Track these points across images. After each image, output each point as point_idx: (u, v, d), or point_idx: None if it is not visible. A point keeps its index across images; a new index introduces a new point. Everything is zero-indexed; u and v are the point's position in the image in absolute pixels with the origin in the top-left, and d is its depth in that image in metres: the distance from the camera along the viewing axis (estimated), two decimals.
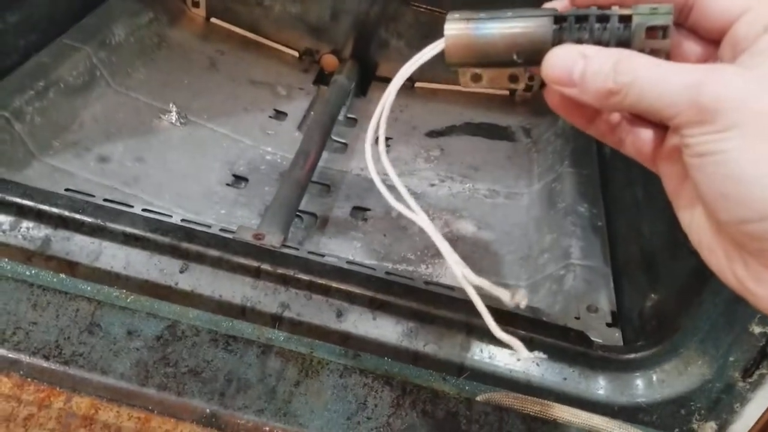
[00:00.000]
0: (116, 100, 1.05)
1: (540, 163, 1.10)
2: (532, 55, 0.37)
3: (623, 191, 0.92)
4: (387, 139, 1.15)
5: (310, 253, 0.74)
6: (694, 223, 0.34)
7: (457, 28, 0.39)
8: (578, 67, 0.34)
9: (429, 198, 1.02)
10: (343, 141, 1.12)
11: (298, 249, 0.75)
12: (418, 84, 1.30)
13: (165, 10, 1.24)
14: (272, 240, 0.74)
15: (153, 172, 0.95)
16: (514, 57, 0.37)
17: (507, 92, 1.28)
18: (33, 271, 0.65)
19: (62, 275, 0.65)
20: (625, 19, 0.34)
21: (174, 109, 1.06)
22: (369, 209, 0.98)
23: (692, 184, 0.32)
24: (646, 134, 0.36)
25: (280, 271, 0.68)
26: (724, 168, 0.30)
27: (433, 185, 1.05)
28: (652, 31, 0.34)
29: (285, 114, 1.16)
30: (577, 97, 0.34)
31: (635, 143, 0.37)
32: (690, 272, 0.64)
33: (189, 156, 1.00)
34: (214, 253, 0.69)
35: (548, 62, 0.35)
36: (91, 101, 1.01)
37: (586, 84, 0.34)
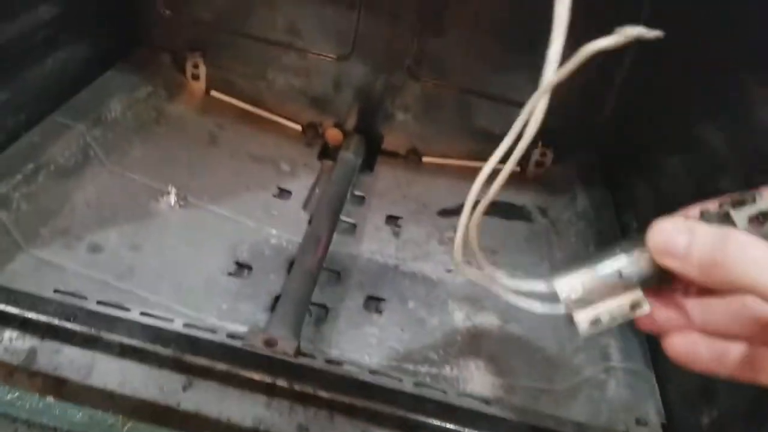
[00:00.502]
0: (111, 181, 0.98)
1: (561, 247, 1.03)
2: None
3: None
4: (395, 218, 1.10)
5: (328, 362, 0.66)
6: None
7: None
8: (684, 237, 0.35)
9: (446, 285, 0.95)
10: (351, 221, 1.06)
11: (314, 357, 0.67)
12: (425, 159, 1.25)
13: (164, 84, 1.19)
14: (286, 347, 0.66)
15: (149, 262, 0.87)
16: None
17: (518, 168, 1.23)
18: (15, 394, 0.57)
19: (49, 398, 0.57)
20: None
21: (173, 190, 0.99)
22: (383, 299, 0.91)
23: None
24: None
25: (297, 387, 0.61)
26: None
27: (449, 271, 0.98)
28: (754, 218, 0.35)
29: (289, 192, 1.09)
30: (680, 270, 0.35)
31: None
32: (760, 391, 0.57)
33: (188, 242, 0.92)
34: (221, 366, 0.61)
35: (654, 233, 0.36)
36: (84, 183, 0.94)
37: (691, 254, 0.34)
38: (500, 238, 1.07)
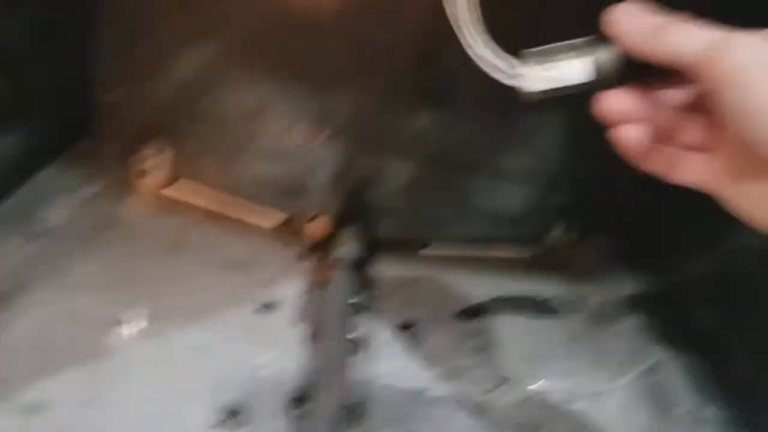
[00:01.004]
0: (53, 310, 0.77)
1: (613, 345, 0.86)
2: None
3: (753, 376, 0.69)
4: (408, 326, 0.91)
5: None
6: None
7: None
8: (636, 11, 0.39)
9: (494, 411, 0.76)
10: (356, 336, 0.86)
11: None
12: (424, 252, 1.07)
13: (112, 183, 0.99)
14: None
15: (107, 421, 0.65)
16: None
17: (532, 254, 1.06)
18: None
19: None
20: None
21: (132, 316, 0.78)
22: None
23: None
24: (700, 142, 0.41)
25: None
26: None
27: (489, 391, 0.79)
28: None
29: (274, 305, 0.89)
30: (624, 38, 0.39)
31: (694, 163, 0.41)
32: None
33: (157, 386, 0.71)
34: None
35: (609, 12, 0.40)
36: (18, 317, 0.73)
37: (638, 23, 0.39)
38: (534, 343, 0.89)
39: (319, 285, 0.96)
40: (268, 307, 0.89)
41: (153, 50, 0.98)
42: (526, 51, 0.44)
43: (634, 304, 0.90)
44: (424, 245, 1.07)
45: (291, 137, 1.01)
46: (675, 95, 0.41)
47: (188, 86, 1.00)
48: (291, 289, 0.93)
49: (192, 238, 0.98)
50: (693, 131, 0.41)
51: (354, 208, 1.06)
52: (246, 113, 1.00)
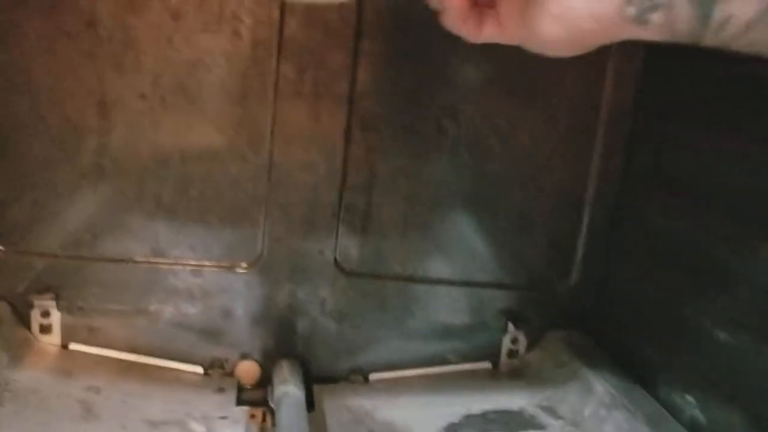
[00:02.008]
0: None
1: None
2: None
3: None
4: None
5: None
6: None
7: None
8: None
9: None
10: None
11: None
12: (373, 376, 0.97)
13: (3, 345, 0.84)
14: None
15: None
16: None
17: (489, 364, 0.99)
18: None
19: None
20: None
21: None
22: None
23: None
24: None
25: None
26: None
27: None
28: None
29: None
30: None
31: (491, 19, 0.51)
32: None
33: None
34: None
35: None
36: None
37: None
38: None
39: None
40: None
41: (38, 199, 0.88)
42: None
43: (611, 404, 0.83)
44: (367, 373, 0.98)
45: (203, 274, 0.92)
46: None
47: (88, 226, 0.89)
48: None
49: (106, 399, 0.83)
50: None
51: (284, 342, 0.96)
52: (161, 247, 0.90)
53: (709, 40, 0.39)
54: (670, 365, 0.83)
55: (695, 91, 0.83)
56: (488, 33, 0.51)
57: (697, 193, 0.81)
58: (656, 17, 0.39)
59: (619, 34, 0.41)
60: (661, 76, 0.90)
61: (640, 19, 0.39)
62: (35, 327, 0.90)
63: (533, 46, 0.47)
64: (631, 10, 0.39)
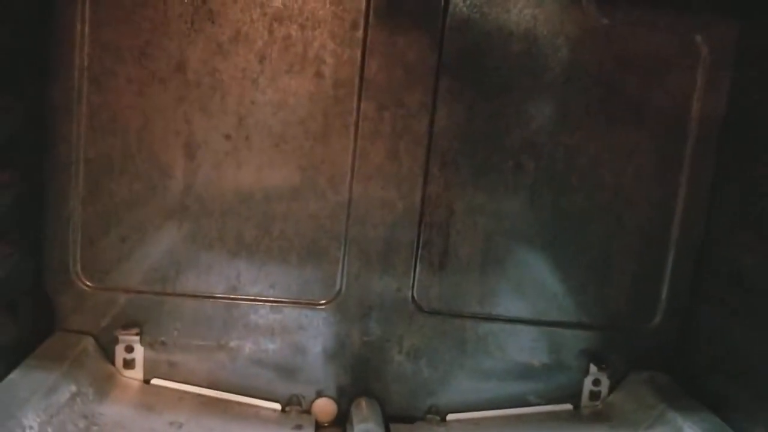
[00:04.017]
0: None
1: None
2: None
3: None
4: None
5: None
6: None
7: None
8: None
9: None
10: None
11: None
12: (450, 416, 0.96)
13: (90, 379, 0.86)
14: None
15: None
16: None
17: (570, 407, 0.96)
18: None
19: None
20: None
21: None
22: None
23: None
24: None
25: None
26: None
27: None
28: None
29: None
30: None
31: None
32: None
33: None
34: None
35: None
36: None
37: None
38: None
39: None
40: None
41: (124, 236, 0.90)
42: None
43: None
44: (444, 413, 0.96)
45: (282, 311, 0.93)
46: None
47: (171, 263, 0.92)
48: None
49: None
50: None
51: (360, 380, 0.96)
52: (242, 285, 0.92)
53: None
54: (759, 408, 0.79)
55: None
56: None
57: None
58: None
59: None
60: (745, 117, 0.88)
61: None
62: (119, 362, 0.92)
63: None
64: None
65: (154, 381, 0.94)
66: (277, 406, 0.94)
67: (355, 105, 0.88)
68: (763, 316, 0.81)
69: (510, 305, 0.94)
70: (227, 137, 0.89)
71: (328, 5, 0.86)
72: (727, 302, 0.88)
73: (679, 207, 0.92)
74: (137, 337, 0.93)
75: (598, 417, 0.94)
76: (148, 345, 0.93)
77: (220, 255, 0.91)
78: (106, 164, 0.89)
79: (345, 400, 0.95)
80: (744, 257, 0.86)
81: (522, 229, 0.93)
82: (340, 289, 0.92)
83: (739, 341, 0.85)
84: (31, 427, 0.71)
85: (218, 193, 0.90)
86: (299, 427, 0.91)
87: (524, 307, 0.95)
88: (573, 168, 0.92)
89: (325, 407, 0.95)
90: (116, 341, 0.92)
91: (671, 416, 0.86)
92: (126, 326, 0.93)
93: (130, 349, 0.93)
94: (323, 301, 0.93)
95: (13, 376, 0.78)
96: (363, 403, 0.92)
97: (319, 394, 0.96)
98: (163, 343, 0.93)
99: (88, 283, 0.91)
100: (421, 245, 0.92)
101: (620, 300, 0.95)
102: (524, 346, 0.95)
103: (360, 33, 0.87)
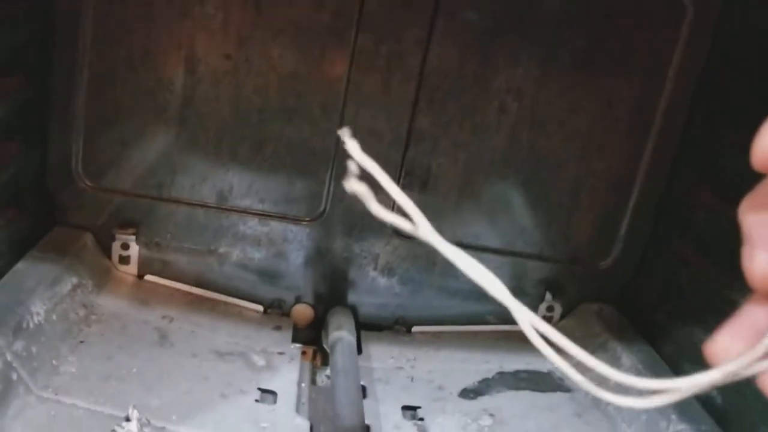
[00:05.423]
0: (42, 412, 0.70)
1: (626, 419, 0.86)
2: None
3: None
4: (415, 408, 0.88)
5: None
6: None
7: None
8: None
9: None
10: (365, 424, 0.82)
11: None
12: (416, 328, 1.05)
13: (89, 272, 0.93)
14: None
15: None
16: None
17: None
18: None
19: None
20: None
21: (134, 414, 0.72)
22: None
23: None
24: None
25: None
26: None
27: None
28: None
29: (274, 393, 0.85)
30: None
31: None
32: None
33: None
34: None
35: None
36: (13, 423, 0.66)
37: None
38: (544, 419, 0.88)
39: (316, 371, 0.93)
40: (267, 395, 0.84)
41: (124, 140, 0.96)
42: None
43: (636, 367, 0.90)
44: (410, 325, 1.06)
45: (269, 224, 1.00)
46: None
47: (168, 169, 0.97)
48: (289, 375, 0.89)
49: (179, 328, 0.93)
50: None
51: (337, 290, 1.04)
52: (232, 196, 0.98)
53: None
54: (689, 343, 0.89)
55: (751, 97, 0.86)
56: None
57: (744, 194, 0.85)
58: None
59: None
60: (719, 79, 0.93)
61: None
62: (115, 257, 1.00)
63: None
64: None
65: (148, 277, 1.01)
66: (260, 308, 1.03)
67: (353, 36, 0.92)
68: (708, 269, 0.89)
69: (480, 235, 1.02)
70: (227, 56, 0.92)
71: None
72: (678, 253, 0.97)
73: (646, 158, 0.99)
74: (133, 236, 0.99)
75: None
76: (143, 244, 1.00)
77: (214, 167, 0.97)
78: (110, 74, 0.93)
79: (321, 307, 1.04)
80: (698, 213, 0.93)
81: (499, 166, 0.99)
82: (325, 209, 0.99)
83: (684, 289, 0.94)
84: (38, 314, 0.79)
85: (215, 109, 0.95)
86: (279, 327, 1.00)
87: (493, 238, 1.02)
88: (553, 113, 0.97)
89: (303, 312, 1.04)
90: (113, 238, 0.99)
91: (612, 345, 0.96)
92: (123, 225, 1.00)
93: (126, 246, 1.00)
94: (308, 218, 1.00)
95: (20, 266, 0.85)
96: (338, 311, 1.01)
97: (298, 300, 1.04)
98: (157, 244, 1.00)
99: (87, 182, 0.97)
100: (403, 175, 0.98)
101: (581, 238, 1.03)
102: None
103: None
